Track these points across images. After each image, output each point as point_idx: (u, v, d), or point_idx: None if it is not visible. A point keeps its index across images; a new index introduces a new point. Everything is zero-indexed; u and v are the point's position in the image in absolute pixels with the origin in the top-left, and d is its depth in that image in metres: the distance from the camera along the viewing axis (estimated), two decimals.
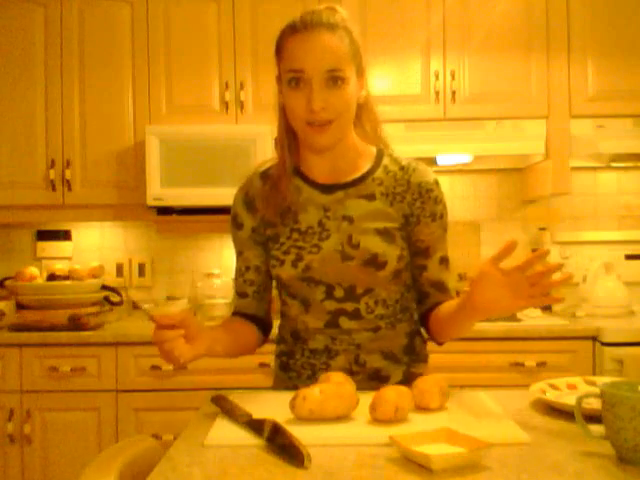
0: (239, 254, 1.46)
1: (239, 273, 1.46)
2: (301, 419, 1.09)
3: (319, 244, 1.34)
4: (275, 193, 1.38)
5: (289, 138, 1.37)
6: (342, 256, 1.33)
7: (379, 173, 1.37)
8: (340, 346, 1.37)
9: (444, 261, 1.39)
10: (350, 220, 1.34)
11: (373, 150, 1.41)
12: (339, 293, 1.35)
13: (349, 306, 1.35)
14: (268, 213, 1.39)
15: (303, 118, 1.28)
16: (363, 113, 1.39)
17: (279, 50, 1.33)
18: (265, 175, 1.42)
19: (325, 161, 1.37)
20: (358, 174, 1.38)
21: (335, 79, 1.26)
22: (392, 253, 1.33)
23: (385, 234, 1.33)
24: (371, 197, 1.35)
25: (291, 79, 1.28)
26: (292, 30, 1.30)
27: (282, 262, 1.35)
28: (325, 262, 1.33)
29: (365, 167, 1.38)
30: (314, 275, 1.34)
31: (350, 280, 1.34)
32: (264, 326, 1.48)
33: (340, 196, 1.36)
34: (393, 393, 1.10)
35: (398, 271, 1.35)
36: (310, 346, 1.40)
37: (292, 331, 1.43)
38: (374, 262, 1.32)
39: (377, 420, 1.09)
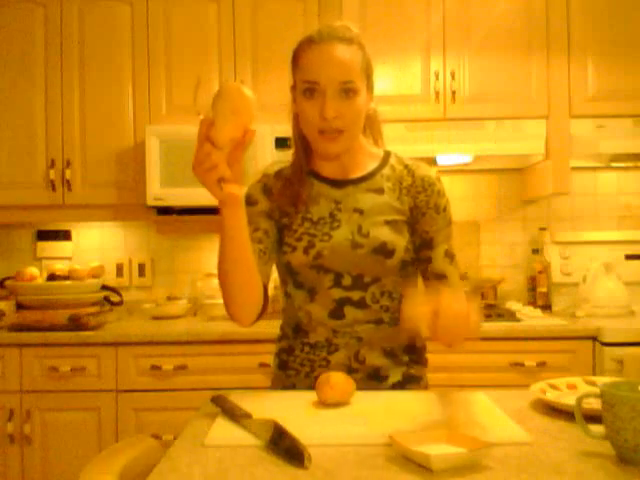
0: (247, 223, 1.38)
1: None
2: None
3: (330, 233, 1.38)
4: (289, 193, 1.42)
5: (303, 142, 1.42)
6: (352, 244, 1.37)
7: (386, 170, 1.44)
8: (342, 339, 1.38)
9: (449, 255, 1.43)
10: (360, 212, 1.39)
11: (380, 151, 1.48)
12: (347, 281, 1.38)
13: (355, 294, 1.38)
14: (283, 205, 1.42)
15: (316, 126, 1.34)
16: (369, 124, 1.46)
17: (296, 61, 1.37)
18: (279, 175, 1.46)
19: (335, 162, 1.43)
20: (366, 171, 1.44)
21: (347, 90, 1.32)
22: (400, 243, 1.38)
23: (394, 225, 1.39)
24: (380, 191, 1.41)
25: (306, 89, 1.33)
26: (309, 42, 1.35)
27: (294, 248, 1.38)
28: (335, 250, 1.37)
29: (373, 165, 1.45)
30: (324, 263, 1.37)
31: (359, 268, 1.37)
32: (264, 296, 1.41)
33: (350, 190, 1.42)
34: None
35: (405, 262, 1.40)
36: (311, 339, 1.41)
37: (294, 324, 1.44)
38: (383, 250, 1.36)
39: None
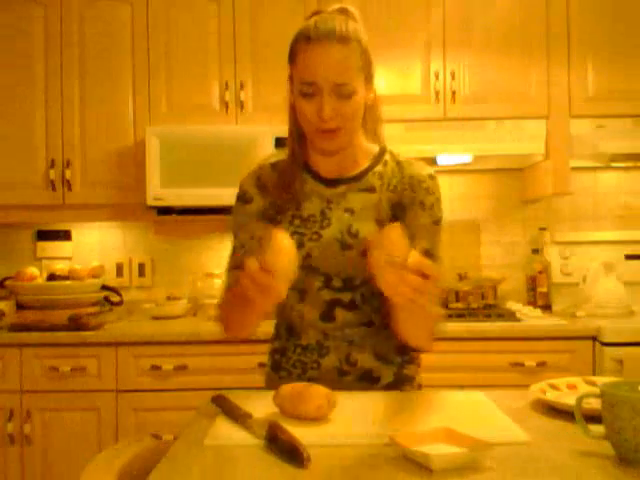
0: (241, 227, 1.43)
1: (240, 246, 1.43)
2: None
3: (319, 232, 1.37)
4: (283, 183, 1.42)
5: (298, 134, 1.42)
6: (341, 245, 1.36)
7: (379, 168, 1.43)
8: (332, 342, 1.38)
9: (428, 255, 1.31)
10: (351, 212, 1.39)
11: (376, 148, 1.46)
12: (337, 283, 1.37)
13: (345, 296, 1.37)
14: (279, 199, 1.42)
15: (314, 124, 1.33)
16: (368, 112, 1.42)
17: (292, 56, 1.36)
18: (275, 165, 1.46)
19: (331, 159, 1.42)
20: (360, 169, 1.43)
21: (343, 92, 1.30)
22: None
23: (384, 225, 1.34)
24: (371, 190, 1.40)
25: (303, 89, 1.32)
26: (306, 39, 1.31)
27: None
28: (325, 250, 1.36)
29: (367, 163, 1.44)
30: (313, 264, 1.36)
31: (348, 271, 1.36)
32: None
33: (342, 190, 1.41)
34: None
35: None
36: (302, 341, 1.40)
37: (287, 325, 1.44)
38: None
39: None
